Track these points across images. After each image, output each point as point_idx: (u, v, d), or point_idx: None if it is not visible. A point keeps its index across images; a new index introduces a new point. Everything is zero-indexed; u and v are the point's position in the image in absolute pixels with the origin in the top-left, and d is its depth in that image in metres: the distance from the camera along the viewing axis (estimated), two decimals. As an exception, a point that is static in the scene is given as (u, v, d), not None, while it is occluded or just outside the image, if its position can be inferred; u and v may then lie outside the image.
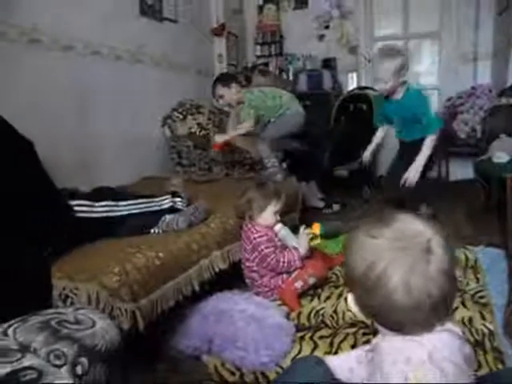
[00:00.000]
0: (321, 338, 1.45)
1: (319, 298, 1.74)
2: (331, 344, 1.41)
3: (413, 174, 2.19)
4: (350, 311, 1.47)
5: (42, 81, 2.43)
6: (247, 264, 1.81)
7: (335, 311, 1.62)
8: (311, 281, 1.74)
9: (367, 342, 1.28)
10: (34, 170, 1.31)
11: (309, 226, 1.87)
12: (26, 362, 0.63)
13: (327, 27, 4.66)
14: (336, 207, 3.28)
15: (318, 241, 1.85)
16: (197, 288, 1.61)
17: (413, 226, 0.70)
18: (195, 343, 1.44)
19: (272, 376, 1.31)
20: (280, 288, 1.74)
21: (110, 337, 0.72)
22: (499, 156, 2.52)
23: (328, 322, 1.58)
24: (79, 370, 0.65)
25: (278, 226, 1.81)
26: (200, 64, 4.07)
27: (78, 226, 1.52)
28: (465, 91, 3.92)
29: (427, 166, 2.37)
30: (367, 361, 0.78)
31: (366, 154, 2.57)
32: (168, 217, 1.72)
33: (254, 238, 1.75)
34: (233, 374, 1.35)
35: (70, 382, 0.63)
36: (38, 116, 2.36)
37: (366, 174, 3.66)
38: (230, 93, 2.90)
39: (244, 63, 4.79)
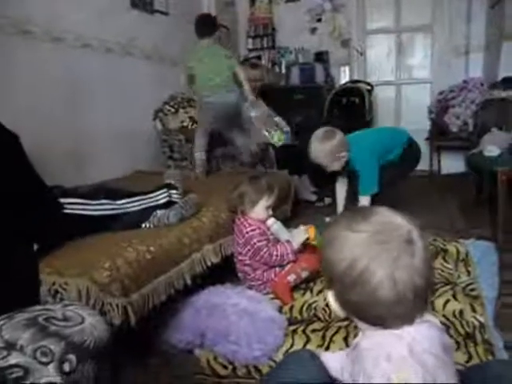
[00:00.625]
0: (313, 331, 1.45)
1: (311, 291, 1.74)
2: (323, 337, 1.41)
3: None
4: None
5: (32, 73, 2.40)
6: (240, 258, 1.80)
7: (327, 305, 1.61)
8: (304, 274, 1.74)
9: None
10: (20, 165, 1.28)
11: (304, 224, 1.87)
12: (12, 360, 0.62)
13: (319, 20, 4.65)
14: (328, 200, 3.29)
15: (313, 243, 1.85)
16: (189, 282, 1.61)
17: (392, 219, 0.70)
18: (187, 337, 1.44)
19: (265, 370, 1.31)
20: (273, 281, 1.74)
21: (98, 333, 0.70)
22: (490, 150, 2.52)
23: (320, 316, 1.58)
24: (67, 367, 0.64)
25: (271, 221, 1.81)
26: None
27: (68, 222, 1.50)
28: (457, 85, 3.93)
29: (400, 176, 2.53)
30: (350, 361, 0.77)
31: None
32: (159, 212, 1.71)
33: (247, 232, 1.74)
34: (225, 367, 1.35)
35: (58, 379, 0.62)
36: (28, 109, 2.33)
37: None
38: None
39: (236, 56, 4.75)
